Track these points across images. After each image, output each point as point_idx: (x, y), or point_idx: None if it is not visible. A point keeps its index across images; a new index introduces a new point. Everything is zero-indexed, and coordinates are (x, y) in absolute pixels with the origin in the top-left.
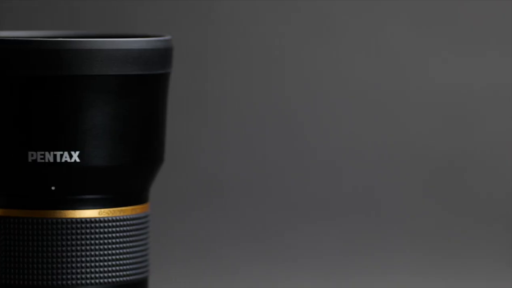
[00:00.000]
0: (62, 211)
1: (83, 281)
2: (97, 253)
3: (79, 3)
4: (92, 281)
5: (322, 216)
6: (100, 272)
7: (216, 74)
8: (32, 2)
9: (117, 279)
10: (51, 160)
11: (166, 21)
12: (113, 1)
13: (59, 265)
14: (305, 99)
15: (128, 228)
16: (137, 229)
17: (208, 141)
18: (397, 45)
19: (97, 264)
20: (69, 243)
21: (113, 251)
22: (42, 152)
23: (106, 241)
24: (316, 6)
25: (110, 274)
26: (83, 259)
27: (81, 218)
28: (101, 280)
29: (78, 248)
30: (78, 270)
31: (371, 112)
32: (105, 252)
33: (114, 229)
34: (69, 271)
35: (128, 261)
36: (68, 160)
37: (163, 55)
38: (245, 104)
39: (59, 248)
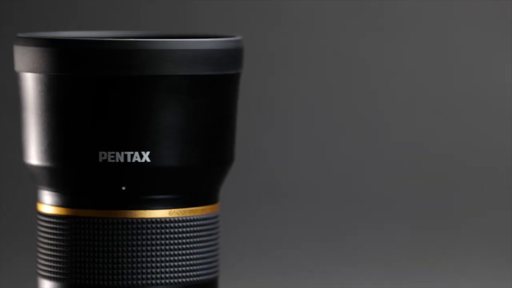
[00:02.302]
0: (132, 211)
1: (153, 281)
2: (167, 253)
3: (149, 3)
4: (162, 281)
5: (386, 217)
6: (170, 272)
7: (285, 74)
8: (99, 2)
9: (187, 279)
10: (122, 160)
11: (236, 21)
12: (184, 1)
13: (129, 265)
14: (372, 100)
15: (198, 228)
16: (207, 229)
17: (276, 141)
18: (461, 45)
19: (167, 264)
20: (139, 243)
21: (183, 251)
22: (113, 152)
23: (176, 241)
24: (383, 6)
25: (180, 274)
26: (153, 259)
27: (151, 218)
28: (171, 280)
29: (148, 248)
30: (148, 270)
31: (435, 112)
32: (175, 252)
33: (184, 229)
34: (139, 271)
35: (198, 261)
36: (139, 160)
37: (234, 56)
38: (313, 105)
39: (129, 248)
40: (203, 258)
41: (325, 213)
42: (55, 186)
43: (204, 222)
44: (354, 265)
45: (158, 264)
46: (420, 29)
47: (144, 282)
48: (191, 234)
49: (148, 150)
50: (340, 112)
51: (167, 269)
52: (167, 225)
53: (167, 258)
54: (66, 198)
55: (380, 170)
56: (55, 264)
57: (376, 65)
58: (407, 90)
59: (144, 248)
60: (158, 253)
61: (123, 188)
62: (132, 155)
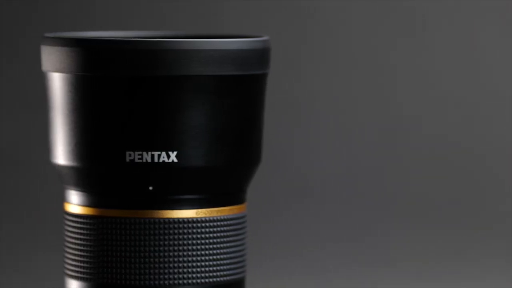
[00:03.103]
0: (159, 211)
1: (180, 281)
2: (194, 253)
3: (174, 3)
4: (189, 281)
5: (413, 219)
6: (197, 272)
7: (312, 74)
8: (126, 2)
9: (214, 279)
10: (149, 160)
11: (263, 21)
12: (211, 1)
13: (156, 265)
14: (399, 99)
15: (225, 228)
16: (234, 230)
17: (302, 141)
18: (487, 44)
19: (194, 264)
20: (166, 243)
21: (210, 251)
22: (140, 152)
23: (203, 241)
24: (408, 6)
25: (207, 274)
26: (180, 259)
27: (178, 218)
28: (198, 280)
29: (175, 248)
30: (175, 270)
31: (462, 112)
32: (202, 252)
33: (211, 229)
34: (166, 271)
35: (225, 261)
36: (166, 160)
37: (261, 56)
38: (339, 105)
39: (156, 248)
40: (230, 258)
41: (352, 213)
42: (82, 186)
43: (231, 222)
44: (381, 265)
45: (185, 264)
46: (446, 30)
47: (170, 282)
48: (218, 234)
49: (175, 150)
50: (366, 112)
51: (194, 269)
52: (194, 225)
53: (194, 258)
54: (93, 198)
55: (407, 170)
56: (82, 264)
57: (401, 65)
58: (432, 92)
59: (171, 248)
60: (185, 253)
61: (150, 188)
62: (159, 155)
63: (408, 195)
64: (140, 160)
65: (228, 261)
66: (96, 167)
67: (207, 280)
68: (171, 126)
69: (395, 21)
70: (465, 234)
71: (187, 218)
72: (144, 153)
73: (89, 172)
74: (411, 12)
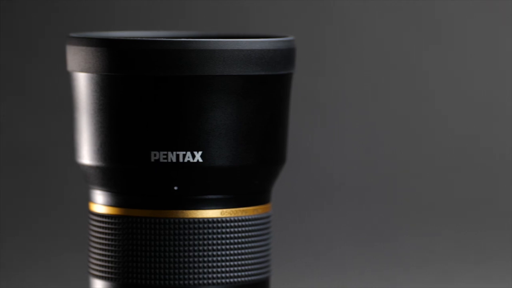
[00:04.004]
0: (184, 211)
1: (205, 281)
2: (219, 253)
3: (198, 3)
4: (214, 281)
5: (436, 221)
6: (222, 272)
7: (337, 75)
8: (151, 2)
9: (239, 279)
10: (174, 160)
11: (287, 21)
12: (234, 2)
13: (180, 265)
14: (421, 102)
15: (250, 228)
16: (259, 230)
17: (328, 141)
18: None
19: (218, 264)
20: (191, 243)
21: (235, 251)
22: (165, 152)
23: (228, 241)
24: (435, 7)
25: (231, 274)
26: (205, 259)
27: (203, 218)
28: (223, 280)
29: (200, 248)
30: (200, 270)
31: (487, 116)
32: (227, 252)
33: (236, 229)
34: (190, 271)
35: (249, 261)
36: (191, 160)
37: (286, 56)
38: (364, 105)
39: (181, 248)
40: (255, 258)
41: (377, 214)
42: (108, 185)
43: (256, 222)
44: (405, 266)
45: (210, 264)
46: (472, 31)
47: (195, 282)
48: (243, 234)
49: (200, 150)
50: (391, 113)
51: (219, 269)
52: (219, 225)
53: (219, 258)
54: (118, 197)
55: (433, 171)
56: (107, 264)
57: (425, 65)
58: (456, 92)
59: (195, 248)
60: (209, 253)
61: (175, 188)
62: (184, 155)
63: (433, 195)
64: (165, 160)
65: (252, 261)
66: (121, 167)
67: (231, 280)
68: (196, 126)
69: (420, 21)
70: (484, 234)
71: (212, 218)
72: (169, 153)
73: (114, 172)
74: (438, 13)
